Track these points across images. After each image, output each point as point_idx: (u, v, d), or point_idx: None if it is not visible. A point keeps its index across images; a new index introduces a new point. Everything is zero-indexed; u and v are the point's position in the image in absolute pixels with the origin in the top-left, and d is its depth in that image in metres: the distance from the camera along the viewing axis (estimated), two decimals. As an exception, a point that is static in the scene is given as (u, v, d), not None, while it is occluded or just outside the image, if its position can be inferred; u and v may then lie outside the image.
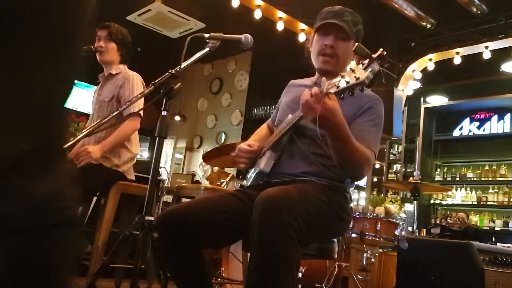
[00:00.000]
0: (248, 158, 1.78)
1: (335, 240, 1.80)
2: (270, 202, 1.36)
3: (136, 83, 2.66)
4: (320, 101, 1.39)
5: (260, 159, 1.77)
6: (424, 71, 6.24)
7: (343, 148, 1.53)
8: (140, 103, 2.49)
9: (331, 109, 1.41)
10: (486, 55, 5.48)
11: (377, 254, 3.49)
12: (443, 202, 6.59)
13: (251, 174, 1.83)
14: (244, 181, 1.89)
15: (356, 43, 1.56)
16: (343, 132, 1.49)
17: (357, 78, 1.32)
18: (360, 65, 1.35)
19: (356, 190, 7.02)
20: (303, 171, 1.67)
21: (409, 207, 6.04)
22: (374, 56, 1.36)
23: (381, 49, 1.37)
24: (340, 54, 1.73)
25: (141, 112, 2.60)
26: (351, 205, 1.78)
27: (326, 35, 1.74)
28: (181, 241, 1.59)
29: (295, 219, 1.36)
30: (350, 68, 1.36)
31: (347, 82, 1.34)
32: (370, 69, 1.34)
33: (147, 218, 1.69)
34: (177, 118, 7.96)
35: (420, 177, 3.58)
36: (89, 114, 2.93)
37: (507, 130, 6.17)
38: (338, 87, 1.37)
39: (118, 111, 1.76)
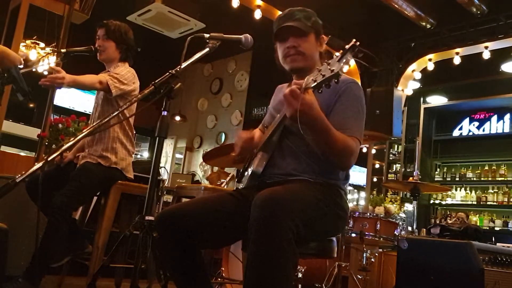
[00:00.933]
0: (243, 147, 1.81)
1: (334, 239, 1.80)
2: (267, 204, 1.37)
3: (123, 72, 2.62)
4: (298, 97, 1.42)
5: (253, 161, 1.79)
6: (424, 71, 6.24)
7: (324, 140, 1.56)
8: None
9: (309, 103, 1.44)
10: (486, 55, 5.48)
11: (377, 254, 3.49)
12: (443, 202, 6.59)
13: (246, 176, 1.84)
14: (240, 184, 1.91)
15: (329, 36, 1.61)
16: (322, 125, 1.51)
17: (332, 70, 1.36)
18: (335, 57, 1.39)
19: (356, 190, 7.03)
20: (294, 169, 1.69)
21: (409, 207, 6.05)
22: (346, 47, 1.40)
23: (354, 40, 1.41)
24: (304, 50, 1.77)
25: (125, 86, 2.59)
26: (348, 203, 1.79)
27: (285, 40, 1.78)
28: (180, 241, 1.60)
29: (292, 220, 1.37)
30: (326, 62, 1.40)
31: (323, 76, 1.38)
32: (343, 60, 1.38)
33: (147, 218, 1.69)
34: (177, 118, 7.97)
35: (420, 177, 3.58)
36: (89, 114, 2.94)
37: (506, 130, 6.17)
38: (315, 81, 1.40)
39: (118, 111, 1.75)
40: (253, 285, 1.36)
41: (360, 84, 1.79)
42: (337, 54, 1.40)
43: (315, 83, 1.40)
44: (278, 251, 1.34)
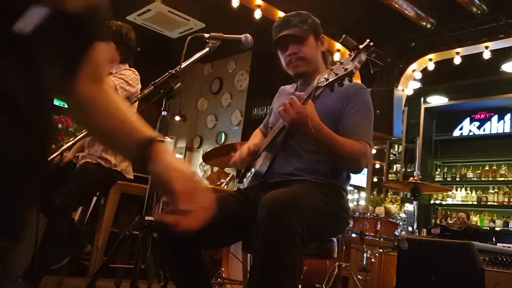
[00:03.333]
0: (245, 161, 1.82)
1: (335, 239, 1.80)
2: (275, 206, 1.37)
3: (129, 74, 2.61)
4: (294, 109, 1.46)
5: (256, 161, 1.79)
6: (424, 71, 6.23)
7: (328, 147, 1.58)
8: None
9: (307, 115, 1.48)
10: (486, 55, 5.47)
11: (377, 254, 3.49)
12: (443, 202, 6.59)
13: (248, 176, 1.84)
14: (241, 184, 1.90)
15: (343, 36, 1.63)
16: (323, 134, 1.54)
17: (346, 69, 1.38)
18: (348, 57, 1.41)
19: (356, 190, 7.02)
20: (297, 169, 1.69)
21: (409, 207, 6.04)
22: (361, 46, 1.42)
23: (368, 40, 1.44)
24: (304, 55, 1.79)
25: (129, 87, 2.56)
26: (348, 203, 1.79)
27: (285, 48, 1.81)
28: (180, 241, 1.59)
29: (299, 222, 1.38)
30: (339, 61, 1.42)
31: (336, 74, 1.40)
32: (357, 60, 1.40)
33: (147, 218, 1.69)
34: (177, 118, 7.96)
35: (420, 177, 3.58)
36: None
37: (507, 130, 6.16)
38: (328, 79, 1.42)
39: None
40: (259, 285, 1.36)
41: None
42: (352, 53, 1.42)
43: (327, 82, 1.42)
44: (285, 253, 1.34)
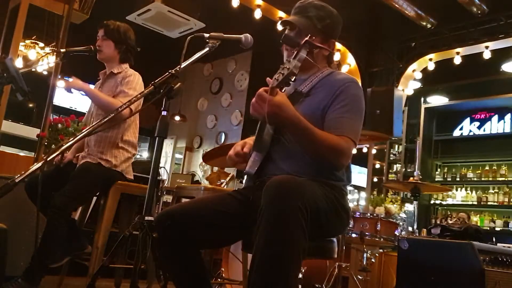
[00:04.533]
0: (235, 162, 1.81)
1: (335, 239, 1.79)
2: (280, 187, 1.36)
3: (136, 81, 2.64)
4: (265, 100, 1.43)
5: (248, 161, 1.77)
6: (424, 71, 6.24)
7: (305, 139, 1.54)
8: (139, 104, 2.49)
9: (277, 104, 1.44)
10: (486, 55, 5.48)
11: (377, 254, 3.49)
12: (444, 202, 6.59)
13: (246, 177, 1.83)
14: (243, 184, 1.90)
15: (283, 34, 1.66)
16: (298, 124, 1.50)
17: (288, 69, 1.38)
18: (292, 56, 1.43)
19: (356, 190, 7.02)
20: (295, 169, 1.66)
21: (409, 207, 6.03)
22: (301, 43, 1.44)
23: (308, 36, 1.47)
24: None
25: (133, 108, 2.50)
26: (349, 203, 1.78)
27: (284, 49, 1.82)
28: (180, 241, 1.59)
29: (304, 205, 1.35)
30: (287, 60, 1.44)
31: (282, 74, 1.40)
32: (298, 58, 1.41)
33: (147, 218, 1.68)
34: (177, 118, 7.96)
35: (420, 177, 3.58)
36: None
37: (507, 130, 6.16)
38: (277, 80, 1.42)
39: (117, 111, 1.75)
40: (261, 269, 1.33)
41: (360, 83, 1.78)
42: (294, 51, 1.45)
43: (277, 82, 1.42)
44: (289, 234, 1.32)
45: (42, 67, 4.58)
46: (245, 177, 1.80)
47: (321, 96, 1.67)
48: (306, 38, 1.44)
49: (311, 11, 1.77)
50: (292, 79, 1.39)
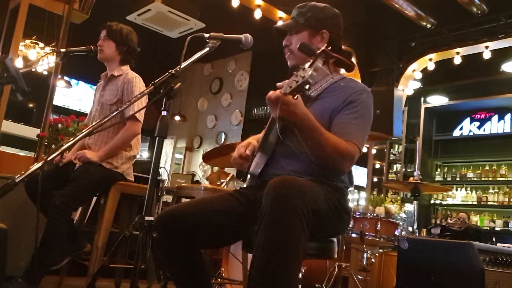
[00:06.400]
0: (241, 164, 1.81)
1: (335, 239, 1.79)
2: (281, 187, 1.36)
3: (138, 86, 2.65)
4: (278, 99, 1.44)
5: (252, 162, 1.78)
6: (424, 71, 6.24)
7: (311, 139, 1.54)
8: (139, 107, 2.51)
9: (289, 104, 1.45)
10: (486, 55, 5.48)
11: (377, 254, 3.49)
12: (443, 202, 6.59)
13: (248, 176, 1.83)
14: (244, 184, 1.89)
15: (300, 43, 1.63)
16: (308, 122, 1.51)
17: (303, 77, 1.35)
18: (307, 64, 1.39)
19: (356, 190, 7.02)
20: (296, 170, 1.67)
21: (409, 207, 6.04)
22: (317, 52, 1.42)
23: (325, 45, 1.45)
24: (293, 48, 1.81)
25: (141, 118, 2.61)
26: (349, 203, 1.78)
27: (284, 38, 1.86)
28: (180, 241, 1.59)
29: (305, 205, 1.36)
30: (301, 67, 1.39)
31: (297, 82, 1.37)
32: (314, 67, 1.37)
33: (147, 218, 1.68)
34: (177, 118, 7.95)
35: (420, 177, 3.57)
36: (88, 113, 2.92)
37: (507, 130, 6.17)
38: (291, 87, 1.40)
39: (118, 111, 1.75)
40: (262, 264, 1.33)
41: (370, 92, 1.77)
42: (310, 60, 1.42)
43: (290, 89, 1.39)
44: (290, 234, 1.32)
45: (42, 67, 4.57)
46: (248, 177, 1.80)
47: (330, 101, 1.68)
48: (323, 48, 1.43)
49: (294, 12, 1.85)
50: (307, 87, 1.37)
